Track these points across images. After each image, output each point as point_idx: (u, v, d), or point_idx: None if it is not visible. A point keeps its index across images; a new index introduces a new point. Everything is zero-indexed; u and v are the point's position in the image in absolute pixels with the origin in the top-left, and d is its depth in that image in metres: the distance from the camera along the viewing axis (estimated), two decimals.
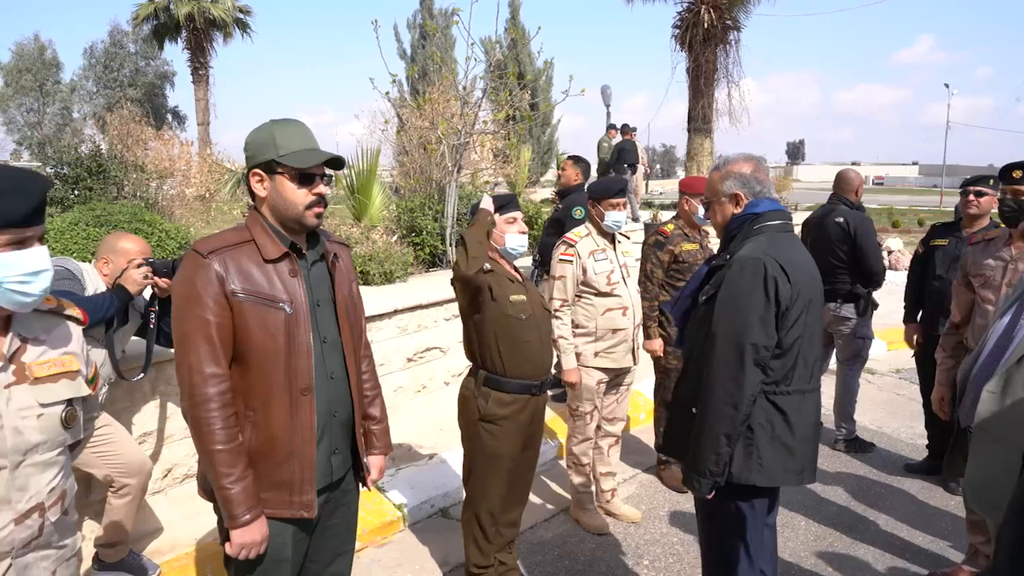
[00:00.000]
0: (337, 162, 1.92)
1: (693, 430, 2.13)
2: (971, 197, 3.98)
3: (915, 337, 4.51)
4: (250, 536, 1.79)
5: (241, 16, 25.48)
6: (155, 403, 3.45)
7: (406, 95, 9.23)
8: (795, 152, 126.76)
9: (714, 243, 2.88)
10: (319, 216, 1.90)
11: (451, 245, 6.73)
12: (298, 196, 1.85)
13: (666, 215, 12.85)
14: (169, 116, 34.17)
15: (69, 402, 1.61)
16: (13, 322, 1.56)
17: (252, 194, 1.92)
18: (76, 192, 8.59)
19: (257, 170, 1.87)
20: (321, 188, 1.89)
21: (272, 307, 1.82)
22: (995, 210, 3.85)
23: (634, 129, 12.57)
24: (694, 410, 2.15)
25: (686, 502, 4.03)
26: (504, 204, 2.86)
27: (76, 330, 1.72)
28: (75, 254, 6.81)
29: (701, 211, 3.91)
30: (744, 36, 15.80)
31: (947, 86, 50.00)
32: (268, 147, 1.84)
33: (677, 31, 11.82)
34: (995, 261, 3.17)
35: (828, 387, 4.48)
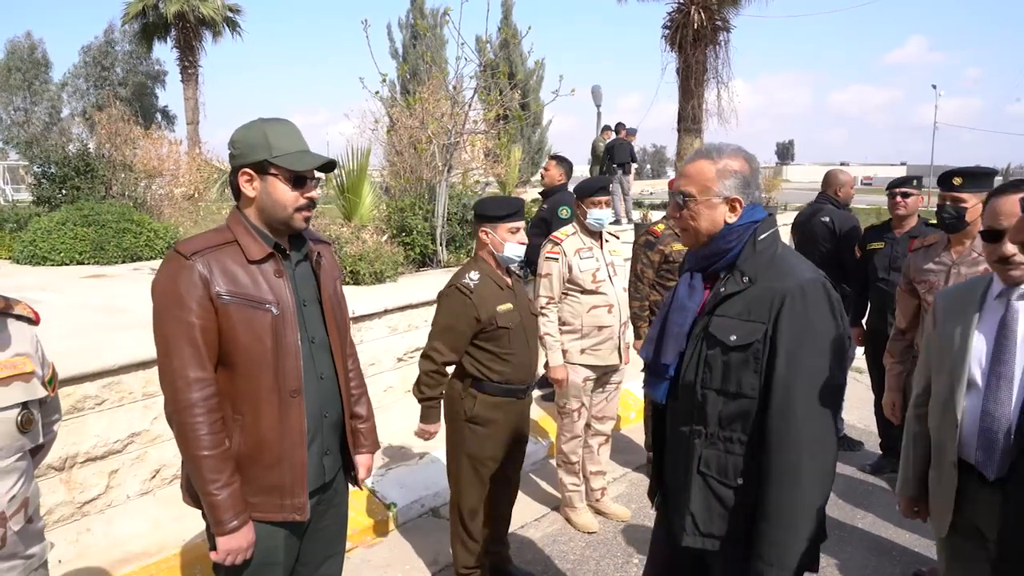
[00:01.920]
0: (329, 165, 1.90)
1: (763, 508, 1.67)
2: (898, 199, 4.14)
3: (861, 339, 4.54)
4: (237, 542, 1.78)
5: (231, 15, 25.36)
6: (143, 404, 3.44)
7: (397, 95, 9.19)
8: (784, 152, 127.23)
9: None
10: (307, 220, 1.89)
11: (441, 245, 6.73)
12: (289, 198, 1.82)
13: (656, 215, 12.92)
14: (159, 116, 33.89)
15: (24, 405, 1.57)
16: None
17: (236, 193, 1.87)
18: (63, 191, 8.55)
19: (247, 170, 1.82)
20: (313, 192, 1.86)
21: (259, 308, 1.79)
22: (923, 209, 4.05)
23: (633, 131, 12.40)
24: (740, 481, 1.71)
25: None
26: (511, 212, 2.80)
27: (28, 330, 1.67)
28: (62, 253, 6.79)
29: None
30: (736, 37, 15.95)
31: (934, 87, 50.36)
32: (260, 147, 1.80)
33: (667, 31, 11.83)
34: (937, 266, 3.22)
35: None
